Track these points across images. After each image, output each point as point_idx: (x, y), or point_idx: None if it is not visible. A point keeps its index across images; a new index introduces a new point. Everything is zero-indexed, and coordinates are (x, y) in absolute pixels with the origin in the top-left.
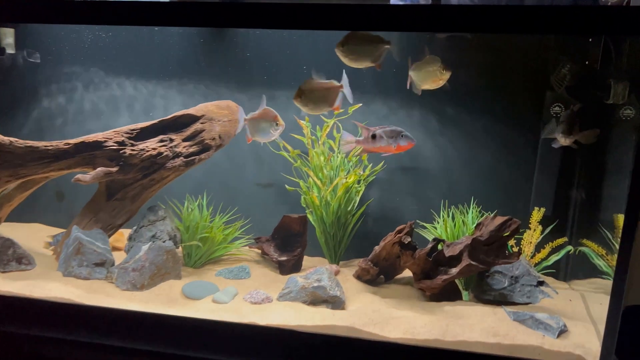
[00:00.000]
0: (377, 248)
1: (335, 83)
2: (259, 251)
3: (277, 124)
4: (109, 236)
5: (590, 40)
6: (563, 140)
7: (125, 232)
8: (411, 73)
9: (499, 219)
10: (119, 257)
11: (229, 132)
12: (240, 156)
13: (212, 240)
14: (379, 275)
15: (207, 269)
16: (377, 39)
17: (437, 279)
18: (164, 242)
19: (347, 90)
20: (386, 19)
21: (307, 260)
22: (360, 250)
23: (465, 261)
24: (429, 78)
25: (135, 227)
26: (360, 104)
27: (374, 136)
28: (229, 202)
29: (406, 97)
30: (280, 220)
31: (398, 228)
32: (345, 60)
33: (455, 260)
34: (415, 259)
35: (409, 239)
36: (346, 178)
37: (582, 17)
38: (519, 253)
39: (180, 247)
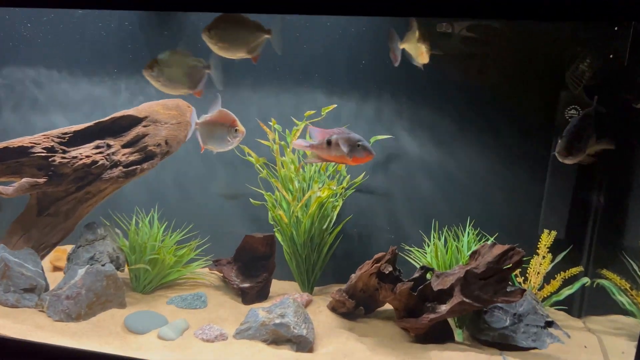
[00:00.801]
0: (353, 277)
1: (203, 62)
2: (221, 274)
3: (235, 130)
4: (43, 257)
5: (616, 28)
6: (562, 159)
7: (69, 249)
8: (405, 46)
9: (499, 248)
10: (59, 278)
11: (178, 137)
12: (200, 162)
13: (163, 262)
14: (357, 308)
15: (159, 295)
16: (254, 25)
17: (423, 317)
18: (103, 265)
19: (215, 74)
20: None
21: (276, 285)
22: (339, 274)
23: (457, 298)
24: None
25: (73, 247)
26: (335, 105)
27: (329, 142)
28: (185, 216)
29: (398, 98)
30: (243, 241)
31: (376, 256)
32: (214, 49)
33: (445, 294)
34: (396, 294)
35: (390, 269)
36: (320, 191)
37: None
38: (523, 291)
39: (126, 270)
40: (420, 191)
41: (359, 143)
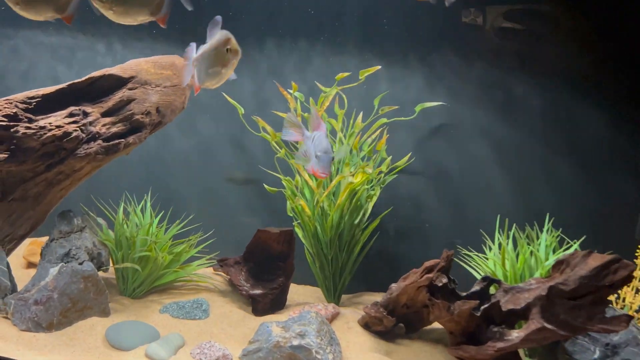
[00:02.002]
0: (394, 288)
1: None
2: (228, 277)
3: (227, 50)
4: (9, 251)
5: None
6: None
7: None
8: None
9: (597, 259)
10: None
11: (173, 104)
12: (204, 138)
13: (156, 261)
14: (396, 325)
15: (151, 300)
16: None
17: (487, 346)
18: (80, 263)
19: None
20: None
21: (295, 292)
22: (373, 280)
23: (536, 322)
24: None
25: (47, 240)
26: (379, 67)
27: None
28: (184, 205)
29: (459, 56)
30: (254, 236)
31: (427, 264)
32: (109, 15)
33: (516, 316)
34: (454, 315)
35: (445, 280)
36: (352, 176)
37: None
38: (630, 318)
39: (111, 269)
40: (482, 178)
41: (318, 154)
